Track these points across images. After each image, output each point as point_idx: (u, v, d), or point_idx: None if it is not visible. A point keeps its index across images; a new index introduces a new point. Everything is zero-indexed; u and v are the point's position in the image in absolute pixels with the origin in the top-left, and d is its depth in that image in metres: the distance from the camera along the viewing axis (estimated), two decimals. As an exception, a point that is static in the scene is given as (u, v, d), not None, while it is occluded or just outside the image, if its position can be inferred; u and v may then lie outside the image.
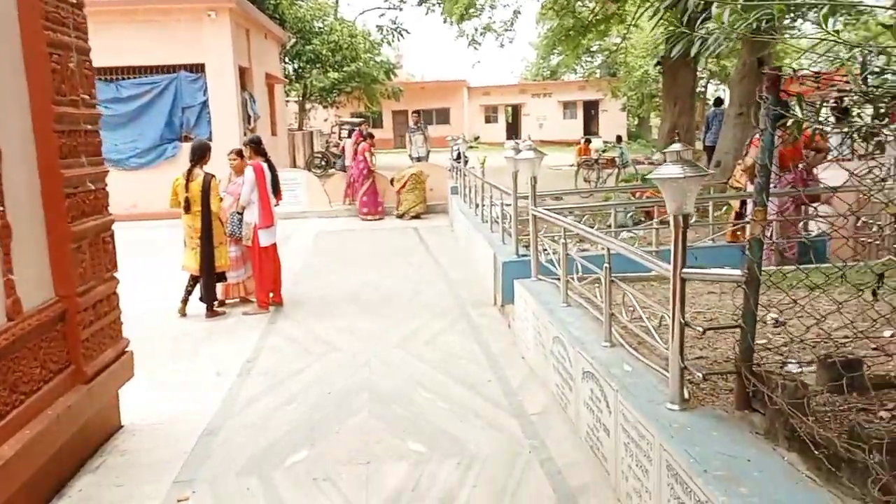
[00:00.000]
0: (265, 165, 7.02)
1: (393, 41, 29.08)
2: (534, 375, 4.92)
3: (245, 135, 15.37)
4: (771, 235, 6.11)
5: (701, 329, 3.04)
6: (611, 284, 3.71)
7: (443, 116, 38.40)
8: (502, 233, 7.37)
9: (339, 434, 4.14)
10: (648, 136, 39.68)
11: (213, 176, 6.80)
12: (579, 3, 17.19)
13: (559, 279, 5.09)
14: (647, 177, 5.91)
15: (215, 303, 7.11)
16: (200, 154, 6.80)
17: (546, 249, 5.37)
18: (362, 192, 13.52)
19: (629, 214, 10.08)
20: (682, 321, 2.85)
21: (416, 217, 13.54)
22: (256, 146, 7.12)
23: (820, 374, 2.93)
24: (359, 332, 6.25)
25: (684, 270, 2.82)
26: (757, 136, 6.11)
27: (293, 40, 22.86)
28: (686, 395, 2.94)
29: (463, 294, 7.51)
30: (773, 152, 2.67)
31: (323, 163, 22.68)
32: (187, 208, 6.76)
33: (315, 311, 7.10)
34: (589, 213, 8.18)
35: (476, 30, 21.09)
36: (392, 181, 13.73)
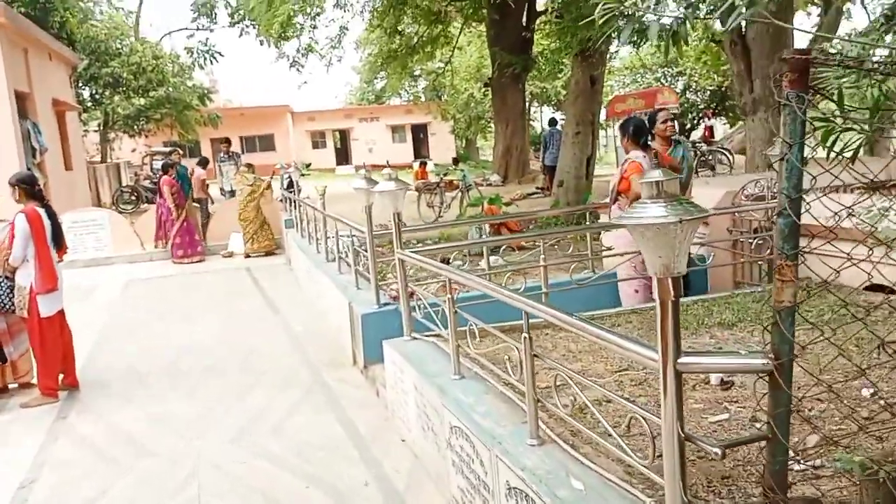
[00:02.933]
0: (42, 211, 5.36)
1: (205, 64, 26.95)
2: (421, 467, 3.81)
3: (29, 170, 12.96)
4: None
5: (718, 451, 1.99)
6: (532, 358, 2.71)
7: (267, 143, 36.34)
8: (355, 276, 6.22)
9: None
10: (477, 157, 40.21)
11: (-40, 228, 5.05)
12: (404, 24, 16.53)
13: (440, 336, 4.06)
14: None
15: (-23, 396, 5.31)
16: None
17: (421, 301, 4.30)
18: (175, 230, 11.70)
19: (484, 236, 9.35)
20: (682, 434, 1.90)
21: (247, 256, 11.98)
22: (28, 187, 5.42)
23: (866, 494, 2.06)
24: (179, 422, 4.79)
25: (681, 361, 1.88)
26: (635, 159, 5.53)
27: (86, 62, 20.18)
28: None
29: (312, 352, 6.24)
30: (801, 176, 1.81)
31: (133, 198, 20.12)
32: (-76, 274, 4.95)
33: (121, 393, 5.50)
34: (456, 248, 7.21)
35: (297, 51, 19.84)
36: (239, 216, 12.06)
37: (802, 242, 1.85)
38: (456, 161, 18.49)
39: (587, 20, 9.56)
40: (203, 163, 14.49)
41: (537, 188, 17.05)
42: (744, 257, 5.83)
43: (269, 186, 12.45)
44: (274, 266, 11.18)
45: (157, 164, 19.61)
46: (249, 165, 12.66)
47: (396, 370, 4.17)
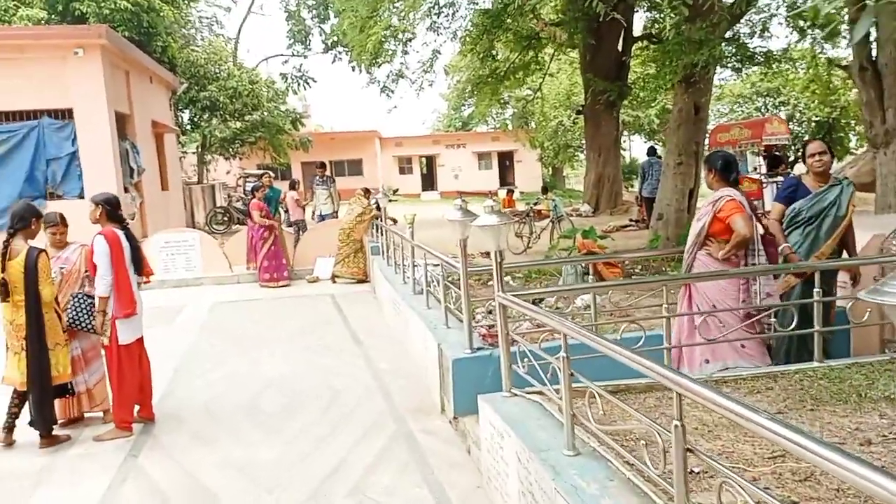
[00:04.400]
0: (121, 234, 5.15)
1: (298, 90, 27.56)
2: (522, 553, 3.25)
3: (126, 190, 13.27)
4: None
5: None
6: (685, 452, 2.12)
7: (355, 167, 36.82)
8: (445, 313, 5.74)
9: None
10: (563, 186, 39.46)
11: (41, 251, 4.85)
12: (496, 49, 16.20)
13: (545, 396, 3.50)
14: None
15: (54, 426, 5.10)
16: (23, 221, 4.87)
17: (524, 352, 3.76)
18: (262, 254, 11.61)
19: (579, 275, 8.70)
20: None
21: (334, 279, 11.76)
22: (111, 209, 5.21)
23: None
24: (253, 470, 4.40)
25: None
26: (732, 197, 4.60)
27: (185, 86, 20.84)
28: None
29: (397, 394, 5.78)
30: None
31: (225, 219, 20.53)
32: (5, 296, 4.79)
33: (196, 431, 5.19)
34: (557, 293, 6.58)
35: (388, 76, 19.86)
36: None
37: None
38: (545, 189, 17.87)
39: (694, 43, 8.82)
40: (293, 184, 14.55)
41: (631, 220, 16.24)
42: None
43: (378, 210, 12.08)
44: (359, 294, 10.88)
45: (250, 186, 19.97)
46: (367, 190, 12.48)
47: (494, 433, 3.64)
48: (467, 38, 15.42)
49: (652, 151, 14.74)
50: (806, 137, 25.95)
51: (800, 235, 4.88)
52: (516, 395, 3.81)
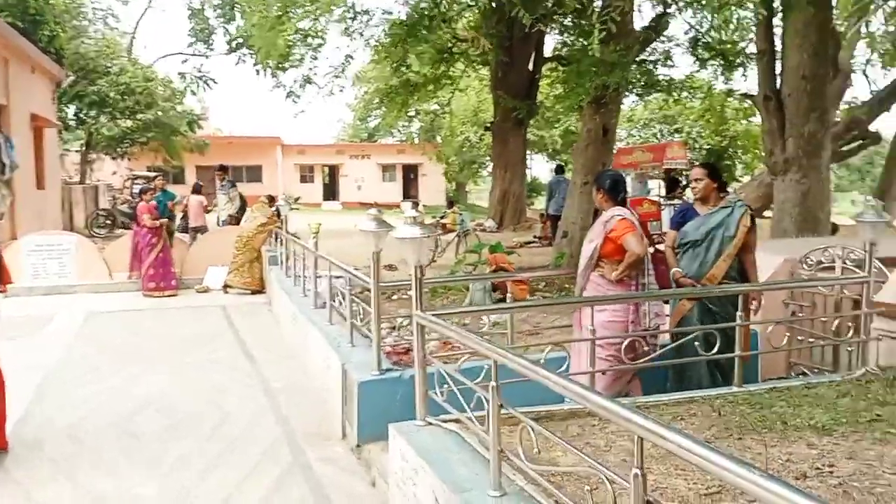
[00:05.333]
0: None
1: (198, 90, 26.26)
2: None
3: (-6, 186, 11.97)
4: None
5: None
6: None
7: (255, 174, 35.49)
8: (350, 330, 5.31)
9: None
10: (465, 201, 39.65)
11: None
12: (411, 59, 15.89)
13: (470, 429, 3.16)
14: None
15: None
16: None
17: (445, 377, 3.39)
18: (149, 261, 10.72)
19: (487, 291, 8.46)
20: None
21: (226, 289, 11.02)
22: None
23: None
24: (126, 508, 3.82)
25: None
26: (623, 216, 4.42)
27: (72, 79, 19.34)
28: None
29: (293, 417, 5.27)
30: None
31: (108, 222, 19.15)
32: None
33: (57, 459, 4.50)
34: (476, 312, 6.29)
35: (295, 81, 19.19)
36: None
37: None
38: (451, 203, 17.74)
39: (607, 65, 8.87)
40: (197, 189, 13.78)
41: (535, 237, 16.31)
42: (805, 337, 5.00)
43: (278, 218, 11.44)
44: (253, 305, 10.22)
45: (138, 189, 18.70)
46: (271, 198, 11.84)
47: (407, 467, 3.25)
48: (380, 48, 15.07)
49: (559, 170, 14.87)
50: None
51: (689, 258, 4.81)
52: (431, 423, 3.44)
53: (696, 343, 4.23)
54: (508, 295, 5.36)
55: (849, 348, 4.47)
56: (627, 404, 1.95)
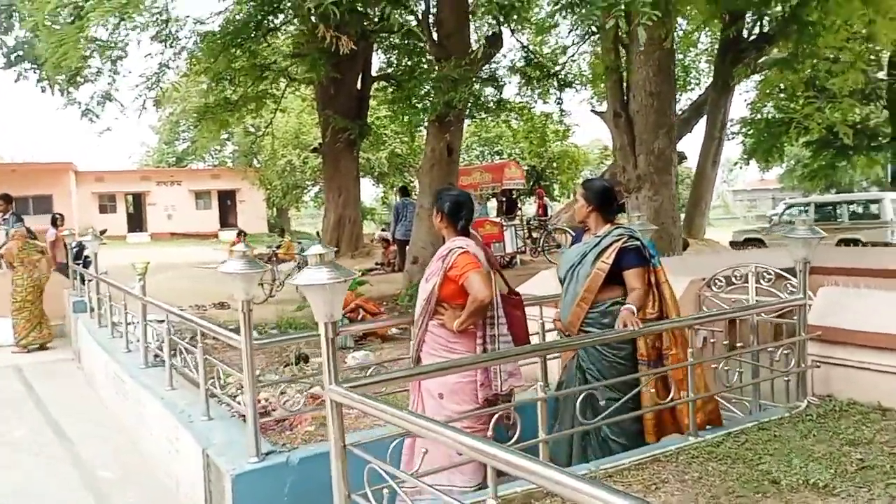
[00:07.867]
0: None
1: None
2: None
3: None
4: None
5: None
6: None
7: (44, 205, 31.13)
8: (206, 399, 4.14)
9: None
10: (289, 227, 37.93)
11: None
12: (233, 73, 14.46)
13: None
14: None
15: None
16: None
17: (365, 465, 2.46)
18: None
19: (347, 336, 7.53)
20: None
21: (27, 349, 9.06)
22: None
23: None
24: None
25: None
26: (464, 249, 3.39)
27: None
28: None
29: (132, 523, 4.02)
30: None
31: None
32: None
33: None
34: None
35: (92, 97, 16.88)
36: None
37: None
38: (283, 231, 16.43)
39: (451, 81, 8.39)
40: (55, 221, 11.59)
41: (377, 263, 15.51)
42: (718, 365, 4.60)
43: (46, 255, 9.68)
44: (55, 364, 8.43)
45: None
46: (30, 231, 9.85)
47: None
48: (195, 60, 13.55)
49: (404, 192, 14.22)
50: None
51: (564, 297, 3.99)
52: (361, 541, 2.49)
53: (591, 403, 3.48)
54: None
55: (786, 378, 4.12)
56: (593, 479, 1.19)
